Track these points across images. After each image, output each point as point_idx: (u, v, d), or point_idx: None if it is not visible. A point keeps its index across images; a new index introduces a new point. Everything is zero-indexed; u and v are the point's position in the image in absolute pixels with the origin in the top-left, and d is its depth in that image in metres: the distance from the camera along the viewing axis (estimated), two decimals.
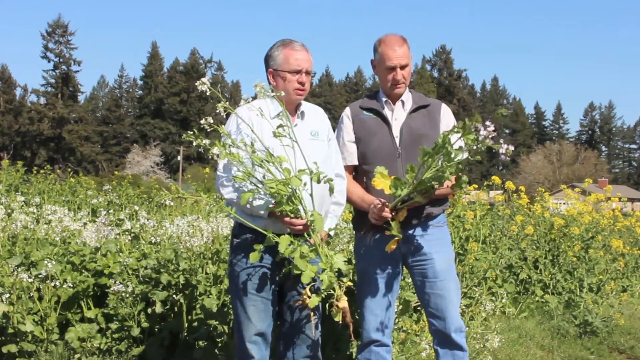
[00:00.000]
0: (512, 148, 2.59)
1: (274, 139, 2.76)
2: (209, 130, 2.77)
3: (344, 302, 2.75)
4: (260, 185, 2.75)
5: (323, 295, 2.81)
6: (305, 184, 2.72)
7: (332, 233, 3.18)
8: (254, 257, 2.73)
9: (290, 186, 2.68)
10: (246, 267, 2.90)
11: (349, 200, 3.20)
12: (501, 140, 2.56)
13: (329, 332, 3.77)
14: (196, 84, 2.78)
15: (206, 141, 2.73)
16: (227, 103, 2.75)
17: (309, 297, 2.73)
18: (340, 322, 2.78)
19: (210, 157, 2.78)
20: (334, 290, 2.74)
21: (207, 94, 2.78)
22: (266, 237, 2.72)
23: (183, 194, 2.84)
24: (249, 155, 2.72)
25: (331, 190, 2.77)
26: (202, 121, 2.72)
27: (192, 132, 2.73)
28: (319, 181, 2.71)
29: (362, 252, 3.19)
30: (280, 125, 2.71)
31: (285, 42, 3.00)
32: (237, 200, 2.81)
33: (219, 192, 2.92)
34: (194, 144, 2.72)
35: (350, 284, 2.89)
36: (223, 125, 2.87)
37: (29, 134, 64.09)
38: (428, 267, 3.10)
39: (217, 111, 2.78)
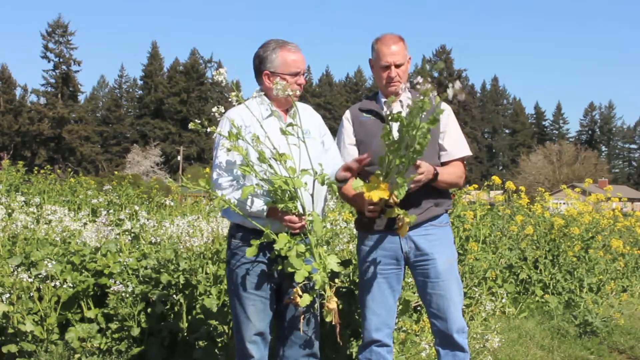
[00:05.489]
0: (459, 85, 2.57)
1: (277, 136, 2.78)
2: (218, 118, 2.80)
3: (333, 303, 2.78)
4: (260, 183, 2.76)
5: (315, 295, 2.83)
6: (306, 184, 2.74)
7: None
8: (250, 252, 2.74)
9: (292, 185, 2.69)
10: (244, 267, 2.91)
11: (348, 202, 3.20)
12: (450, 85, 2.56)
13: (329, 332, 3.76)
14: (214, 73, 2.79)
15: (217, 129, 2.77)
16: (238, 97, 2.76)
17: (300, 296, 2.75)
18: (330, 323, 2.80)
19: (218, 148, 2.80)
20: (325, 291, 2.76)
21: (223, 84, 2.78)
22: (263, 233, 2.73)
23: (187, 183, 2.84)
24: (255, 150, 2.73)
25: (334, 192, 2.78)
26: (214, 109, 2.73)
27: (199, 122, 2.75)
28: (323, 183, 2.75)
29: (365, 252, 3.18)
30: (291, 124, 2.74)
31: (280, 43, 2.97)
32: (235, 201, 2.81)
33: (215, 192, 2.91)
34: (208, 130, 2.74)
35: (340, 283, 2.90)
36: (230, 117, 2.88)
37: (29, 134, 64.08)
38: (430, 267, 3.09)
39: (230, 101, 2.82)
